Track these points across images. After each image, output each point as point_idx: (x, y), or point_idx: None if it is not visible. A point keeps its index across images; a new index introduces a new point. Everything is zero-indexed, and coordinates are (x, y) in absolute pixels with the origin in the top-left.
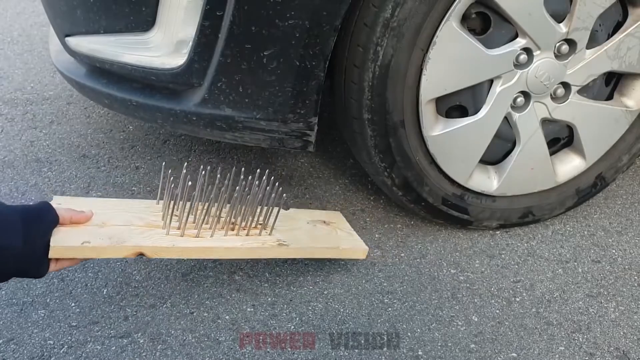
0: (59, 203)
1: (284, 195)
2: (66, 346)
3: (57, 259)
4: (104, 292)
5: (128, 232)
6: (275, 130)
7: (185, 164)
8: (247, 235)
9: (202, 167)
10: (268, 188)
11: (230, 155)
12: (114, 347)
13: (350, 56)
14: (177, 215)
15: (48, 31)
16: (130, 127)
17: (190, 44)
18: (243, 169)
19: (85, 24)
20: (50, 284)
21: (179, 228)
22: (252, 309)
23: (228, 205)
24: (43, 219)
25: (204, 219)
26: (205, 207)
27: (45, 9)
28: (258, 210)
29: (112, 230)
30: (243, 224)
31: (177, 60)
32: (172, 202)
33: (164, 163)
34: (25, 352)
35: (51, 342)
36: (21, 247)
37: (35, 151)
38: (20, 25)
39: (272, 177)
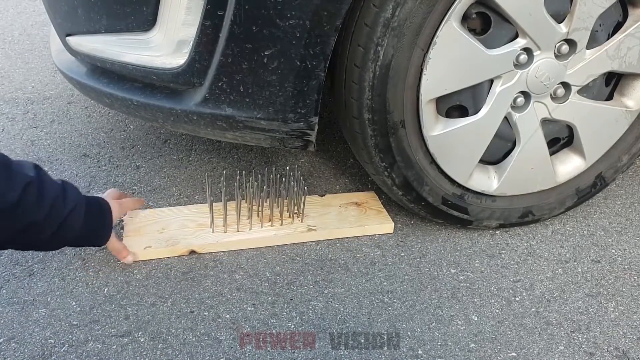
0: (130, 216)
1: (305, 187)
2: (67, 345)
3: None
4: (105, 291)
5: (182, 234)
6: (276, 130)
7: (225, 171)
8: (281, 225)
9: (238, 171)
10: (294, 182)
11: (230, 154)
12: (114, 346)
13: (350, 56)
14: (222, 215)
15: (49, 30)
16: (131, 127)
17: (191, 43)
18: (274, 168)
19: (86, 23)
20: (51, 283)
21: (224, 226)
22: (252, 308)
23: (263, 201)
24: (96, 198)
25: (239, 215)
26: (243, 205)
27: (46, 9)
28: (288, 201)
29: (169, 234)
30: (277, 215)
31: (178, 59)
32: (213, 204)
33: (224, 171)
34: (26, 350)
35: (52, 340)
36: (85, 205)
37: (36, 150)
38: (21, 24)
39: (299, 172)
